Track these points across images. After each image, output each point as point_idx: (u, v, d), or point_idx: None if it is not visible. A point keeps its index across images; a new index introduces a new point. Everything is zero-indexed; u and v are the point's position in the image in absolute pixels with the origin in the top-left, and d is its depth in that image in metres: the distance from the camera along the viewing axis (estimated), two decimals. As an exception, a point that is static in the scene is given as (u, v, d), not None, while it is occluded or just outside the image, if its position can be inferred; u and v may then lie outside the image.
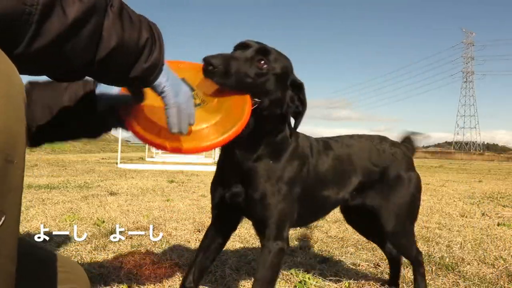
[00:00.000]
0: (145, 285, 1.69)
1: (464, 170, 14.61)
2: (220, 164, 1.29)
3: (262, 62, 1.07)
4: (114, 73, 0.73)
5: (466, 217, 3.76)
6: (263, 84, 1.07)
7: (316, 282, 1.80)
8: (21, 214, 2.46)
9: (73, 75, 0.68)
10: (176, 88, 0.85)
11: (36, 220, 2.87)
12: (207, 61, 0.96)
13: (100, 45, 0.65)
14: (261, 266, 1.16)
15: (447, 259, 2.17)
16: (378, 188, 1.46)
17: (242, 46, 1.10)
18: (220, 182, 1.27)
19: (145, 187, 5.23)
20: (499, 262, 2.18)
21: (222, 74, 0.98)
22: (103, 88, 1.04)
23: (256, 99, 1.06)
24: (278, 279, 1.83)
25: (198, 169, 9.15)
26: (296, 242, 2.51)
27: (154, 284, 1.70)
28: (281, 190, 1.18)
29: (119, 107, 1.00)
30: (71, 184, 5.23)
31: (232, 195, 1.21)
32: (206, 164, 11.13)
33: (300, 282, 1.79)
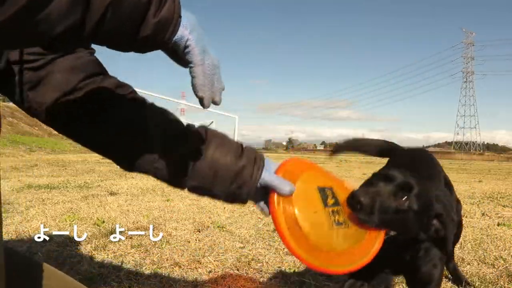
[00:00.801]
0: (145, 285, 1.70)
1: (464, 170, 14.61)
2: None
3: (404, 199, 1.04)
4: (119, 36, 0.63)
5: (466, 217, 3.76)
6: (401, 220, 1.05)
7: (316, 282, 1.80)
8: (21, 214, 2.45)
9: (61, 42, 0.60)
10: (202, 43, 0.71)
11: (36, 220, 2.87)
12: (356, 199, 0.97)
13: (91, 5, 0.56)
14: None
15: (447, 259, 2.17)
16: None
17: (387, 177, 1.08)
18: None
19: (145, 187, 5.23)
20: (499, 262, 2.17)
21: (367, 212, 0.97)
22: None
23: (392, 232, 1.05)
24: (278, 279, 1.83)
25: (198, 169, 9.14)
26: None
27: (154, 284, 1.70)
28: (438, 266, 1.24)
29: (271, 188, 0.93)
30: (71, 184, 5.23)
31: (394, 269, 1.30)
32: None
33: (300, 282, 1.79)
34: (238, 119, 11.37)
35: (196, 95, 0.73)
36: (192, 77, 0.72)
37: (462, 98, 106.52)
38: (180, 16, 0.66)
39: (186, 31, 0.68)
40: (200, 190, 0.99)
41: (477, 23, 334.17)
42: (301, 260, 0.91)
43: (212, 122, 19.20)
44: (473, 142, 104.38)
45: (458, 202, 1.70)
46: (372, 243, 1.00)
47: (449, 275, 1.91)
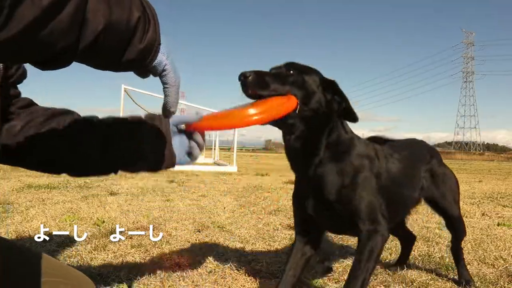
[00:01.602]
0: (145, 285, 1.69)
1: (464, 170, 14.62)
2: (296, 177, 1.39)
3: (290, 71, 1.20)
4: (106, 58, 0.69)
5: (466, 217, 3.76)
6: (295, 86, 1.17)
7: (316, 282, 1.80)
8: (21, 214, 2.45)
9: (57, 60, 0.64)
10: (174, 66, 0.82)
11: (36, 220, 2.87)
12: (241, 74, 1.12)
13: (85, 28, 0.61)
14: (359, 254, 1.21)
15: (447, 259, 2.17)
16: (432, 182, 1.68)
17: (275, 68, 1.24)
18: (298, 194, 1.38)
19: (145, 187, 5.23)
20: (499, 262, 2.17)
21: (255, 84, 1.11)
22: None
23: (299, 103, 1.16)
24: (278, 279, 1.83)
25: (198, 169, 9.14)
26: (296, 242, 2.51)
27: (154, 284, 1.70)
28: (354, 184, 1.25)
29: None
30: (71, 184, 5.23)
31: (311, 203, 1.30)
32: (206, 164, 11.13)
33: (300, 282, 1.79)
34: (238, 119, 11.29)
35: (169, 110, 0.86)
36: (166, 95, 0.84)
37: (462, 98, 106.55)
38: (160, 44, 0.75)
39: (164, 56, 0.78)
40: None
41: (477, 23, 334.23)
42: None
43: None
44: (473, 142, 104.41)
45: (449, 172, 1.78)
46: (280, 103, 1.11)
47: (446, 274, 1.91)
